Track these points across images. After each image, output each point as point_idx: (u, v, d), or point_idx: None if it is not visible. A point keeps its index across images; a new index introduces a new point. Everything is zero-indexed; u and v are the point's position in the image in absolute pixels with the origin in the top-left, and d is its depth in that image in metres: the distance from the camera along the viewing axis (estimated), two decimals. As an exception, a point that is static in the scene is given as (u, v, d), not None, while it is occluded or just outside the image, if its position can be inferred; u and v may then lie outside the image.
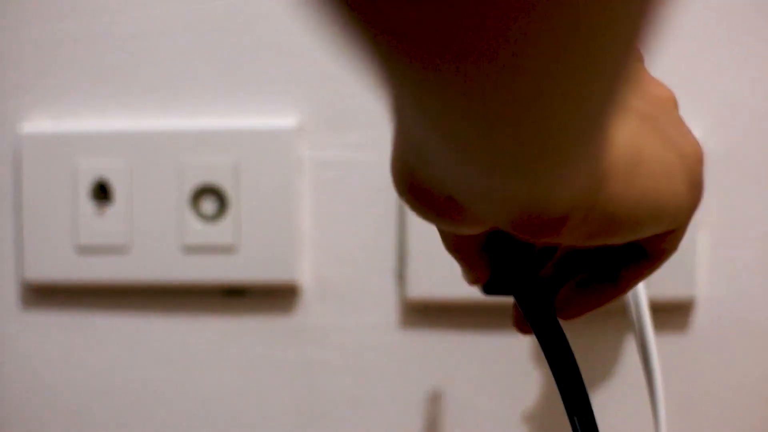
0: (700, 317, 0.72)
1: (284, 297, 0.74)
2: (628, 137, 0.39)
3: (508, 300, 0.48)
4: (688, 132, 0.45)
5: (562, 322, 0.46)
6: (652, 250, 0.46)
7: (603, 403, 0.72)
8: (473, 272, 0.46)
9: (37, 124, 0.76)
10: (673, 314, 0.71)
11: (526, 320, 0.46)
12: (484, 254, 0.45)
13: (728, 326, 0.71)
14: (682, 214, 0.43)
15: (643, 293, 0.62)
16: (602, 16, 0.26)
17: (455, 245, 0.45)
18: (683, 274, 0.70)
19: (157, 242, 0.74)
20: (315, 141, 0.73)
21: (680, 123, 0.45)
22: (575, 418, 0.46)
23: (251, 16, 0.73)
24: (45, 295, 0.76)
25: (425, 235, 0.71)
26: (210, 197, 0.74)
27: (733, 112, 0.71)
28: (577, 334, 0.72)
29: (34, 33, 0.76)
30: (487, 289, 0.46)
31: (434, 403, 0.73)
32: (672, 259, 0.69)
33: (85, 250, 0.74)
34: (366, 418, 0.74)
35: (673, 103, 0.46)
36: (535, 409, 0.72)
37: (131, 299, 0.75)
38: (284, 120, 0.73)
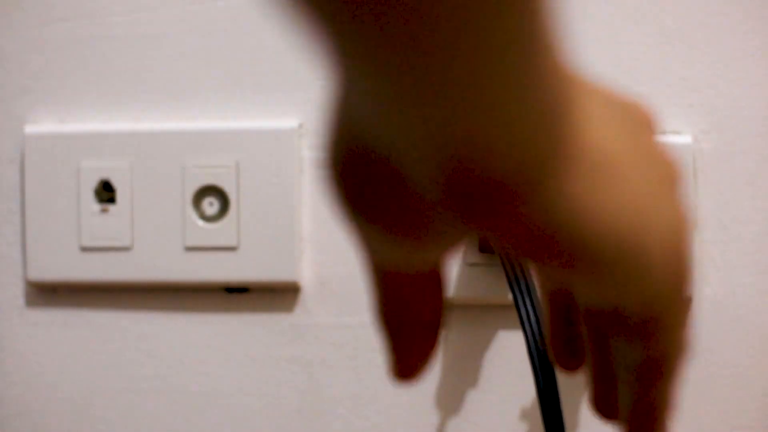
0: (695, 316, 0.72)
1: (285, 296, 0.75)
2: None
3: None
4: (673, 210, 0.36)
5: None
6: None
7: (600, 400, 0.72)
8: None
9: (41, 124, 0.76)
10: (669, 313, 0.72)
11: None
12: None
13: (724, 325, 0.72)
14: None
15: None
16: None
17: None
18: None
19: (159, 242, 0.74)
20: (315, 141, 0.74)
21: (664, 196, 0.36)
22: None
23: (253, 17, 0.74)
24: (49, 294, 0.77)
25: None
26: (212, 197, 0.74)
27: (728, 112, 0.71)
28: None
29: (38, 34, 0.76)
30: None
31: (434, 402, 0.74)
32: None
33: (89, 249, 0.75)
34: (366, 417, 0.74)
35: (671, 175, 0.37)
36: (535, 408, 0.72)
37: (134, 298, 0.76)
38: (285, 120, 0.74)
